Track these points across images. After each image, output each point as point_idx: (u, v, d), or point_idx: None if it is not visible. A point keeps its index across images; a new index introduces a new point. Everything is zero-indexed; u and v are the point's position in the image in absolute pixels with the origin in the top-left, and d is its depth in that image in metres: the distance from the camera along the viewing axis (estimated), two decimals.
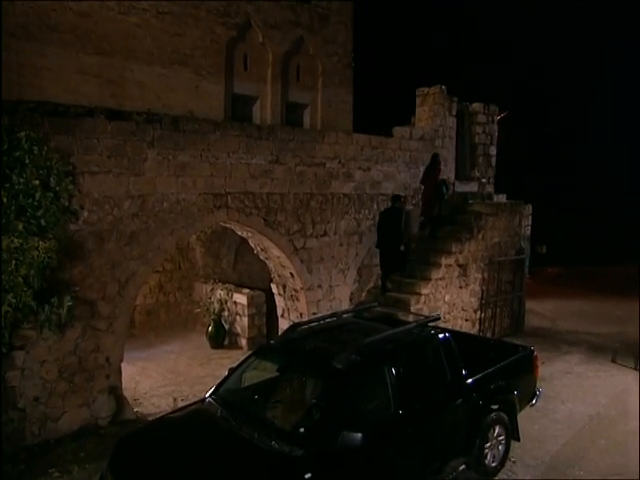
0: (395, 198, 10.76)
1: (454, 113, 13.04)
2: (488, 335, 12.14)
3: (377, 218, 10.94)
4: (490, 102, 14.47)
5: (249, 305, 11.54)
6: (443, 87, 12.71)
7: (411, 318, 8.26)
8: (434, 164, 11.74)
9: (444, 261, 11.18)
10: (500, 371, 6.77)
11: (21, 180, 6.60)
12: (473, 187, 14.07)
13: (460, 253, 11.49)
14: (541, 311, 15.70)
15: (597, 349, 11.84)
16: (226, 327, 11.81)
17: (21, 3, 10.58)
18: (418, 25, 25.77)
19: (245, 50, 14.00)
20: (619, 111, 28.28)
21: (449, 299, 11.33)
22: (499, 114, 15.25)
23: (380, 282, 11.19)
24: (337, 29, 15.81)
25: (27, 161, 6.68)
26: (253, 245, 10.43)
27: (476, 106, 14.04)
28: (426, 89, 12.84)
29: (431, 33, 26.07)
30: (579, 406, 8.64)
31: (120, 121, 7.81)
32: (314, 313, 10.09)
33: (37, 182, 6.71)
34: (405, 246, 10.64)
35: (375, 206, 11.23)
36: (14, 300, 6.49)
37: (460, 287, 11.57)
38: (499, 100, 15.34)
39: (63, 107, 7.48)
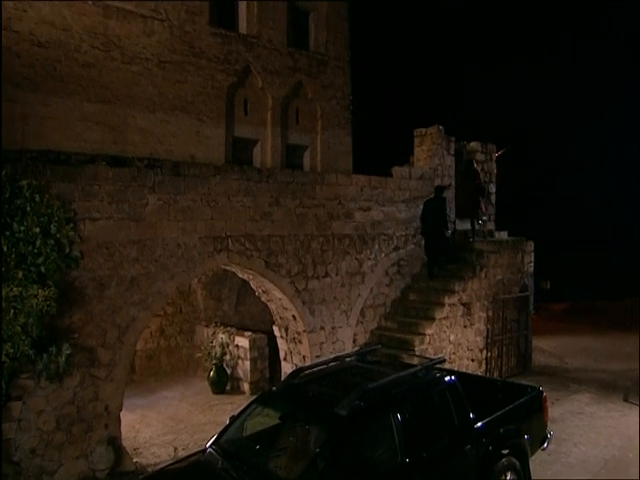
0: (439, 189, 11.90)
1: (452, 152, 13.18)
2: (495, 375, 11.91)
3: (421, 208, 11.94)
4: (487, 140, 14.65)
5: (251, 348, 11.37)
6: (441, 127, 12.89)
7: (416, 360, 8.11)
8: (471, 171, 12.99)
9: (447, 300, 11.08)
10: (509, 414, 6.58)
11: (22, 228, 6.62)
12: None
13: (463, 292, 11.40)
14: (548, 348, 15.46)
15: (608, 387, 11.56)
16: (228, 372, 11.61)
17: (28, 55, 10.89)
18: (414, 68, 26.41)
19: (245, 95, 14.32)
20: (619, 145, 28.57)
21: (454, 339, 11.17)
22: (497, 152, 15.42)
23: (427, 268, 12.07)
24: (335, 73, 16.21)
25: (28, 209, 6.72)
26: (255, 287, 10.36)
27: (474, 145, 14.20)
28: (424, 129, 13.02)
29: (427, 75, 26.69)
30: (593, 449, 8.36)
31: (121, 167, 7.89)
32: (317, 356, 9.93)
33: (38, 230, 6.73)
34: (451, 231, 12.19)
35: (376, 246, 11.22)
36: (12, 350, 6.40)
37: (465, 326, 11.42)
38: (497, 138, 15.56)
39: (65, 155, 7.57)
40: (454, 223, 13.02)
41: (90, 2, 11.60)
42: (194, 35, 13.19)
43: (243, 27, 14.41)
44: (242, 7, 14.46)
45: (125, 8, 12.12)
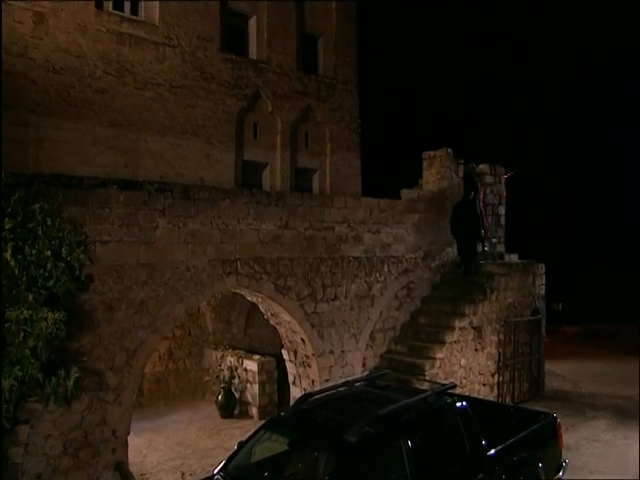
0: (469, 191, 12.57)
1: (461, 175, 13.18)
2: (507, 400, 11.69)
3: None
4: (496, 162, 14.64)
5: (260, 372, 11.28)
6: (449, 150, 12.92)
7: (426, 385, 7.99)
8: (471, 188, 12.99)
9: (458, 324, 10.97)
10: (523, 441, 6.45)
11: (33, 251, 6.67)
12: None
13: (474, 315, 11.28)
14: (561, 372, 15.18)
15: (624, 413, 11.30)
16: (236, 395, 11.51)
17: (43, 82, 11.14)
18: (422, 91, 26.65)
19: (255, 119, 14.51)
20: (632, 165, 28.34)
21: (465, 363, 11.02)
22: (506, 174, 15.40)
23: (462, 265, 12.46)
24: (343, 97, 16.40)
25: (40, 232, 6.79)
26: (263, 310, 10.32)
27: (483, 167, 14.19)
28: (432, 152, 13.05)
29: (435, 98, 26.90)
30: (610, 478, 8.13)
31: (132, 191, 7.96)
32: (326, 380, 9.82)
33: (49, 253, 6.78)
34: (485, 231, 12.84)
35: (386, 269, 11.17)
36: (20, 373, 6.39)
37: (476, 350, 11.28)
38: (505, 160, 15.56)
39: (77, 179, 7.66)
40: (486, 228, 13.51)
41: (104, 29, 11.89)
42: (205, 61, 13.44)
43: (253, 52, 14.67)
44: (252, 33, 14.75)
45: (138, 35, 12.41)
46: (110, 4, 12.16)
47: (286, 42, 15.05)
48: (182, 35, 13.08)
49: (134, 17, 12.54)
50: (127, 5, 12.51)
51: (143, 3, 12.75)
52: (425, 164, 13.10)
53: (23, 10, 10.87)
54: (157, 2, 12.76)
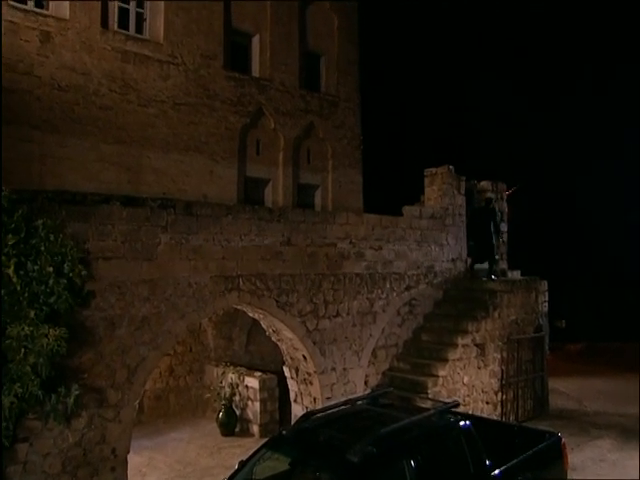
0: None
1: (463, 191, 13.21)
2: (511, 419, 11.57)
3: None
4: (497, 179, 14.68)
5: (261, 389, 11.21)
6: (451, 167, 12.97)
7: (429, 404, 7.92)
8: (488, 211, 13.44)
9: (460, 341, 10.90)
10: (527, 461, 6.36)
11: (35, 267, 6.67)
12: (486, 264, 13.95)
13: (477, 332, 11.21)
14: (565, 390, 15.05)
15: (630, 433, 11.15)
16: (237, 413, 11.41)
17: (48, 99, 11.25)
18: (424, 109, 26.82)
19: (257, 136, 14.60)
20: (635, 180, 28.27)
21: (468, 381, 10.93)
22: (507, 190, 15.43)
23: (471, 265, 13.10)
24: (346, 114, 16.52)
25: (42, 248, 6.79)
26: (265, 327, 10.28)
27: (484, 184, 14.23)
28: (434, 169, 13.10)
29: (437, 115, 27.09)
30: None
31: (135, 207, 7.99)
32: (328, 398, 9.74)
33: (51, 269, 6.77)
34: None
35: (388, 285, 11.14)
36: (21, 390, 6.35)
37: (479, 368, 11.19)
38: (507, 176, 15.60)
39: (80, 195, 7.69)
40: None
41: (109, 48, 12.04)
42: (208, 78, 13.58)
43: (256, 70, 14.83)
44: (255, 51, 14.92)
45: (143, 53, 12.56)
46: (115, 23, 12.33)
47: (289, 60, 15.22)
48: (186, 53, 13.24)
49: (139, 35, 12.71)
50: (132, 24, 12.69)
51: (148, 22, 12.93)
52: (427, 181, 13.13)
53: (30, 29, 11.03)
54: (162, 21, 12.94)
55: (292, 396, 10.61)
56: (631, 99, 26.55)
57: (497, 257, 13.78)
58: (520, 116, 28.71)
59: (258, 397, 11.21)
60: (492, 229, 13.14)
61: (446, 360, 10.62)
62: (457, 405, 6.71)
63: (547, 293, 13.49)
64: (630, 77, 26.92)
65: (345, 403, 6.70)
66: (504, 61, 28.13)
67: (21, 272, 6.58)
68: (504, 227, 14.56)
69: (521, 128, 28.71)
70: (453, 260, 12.70)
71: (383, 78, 25.37)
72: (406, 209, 11.92)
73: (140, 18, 12.88)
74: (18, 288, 6.51)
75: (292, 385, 10.56)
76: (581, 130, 29.09)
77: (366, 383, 10.68)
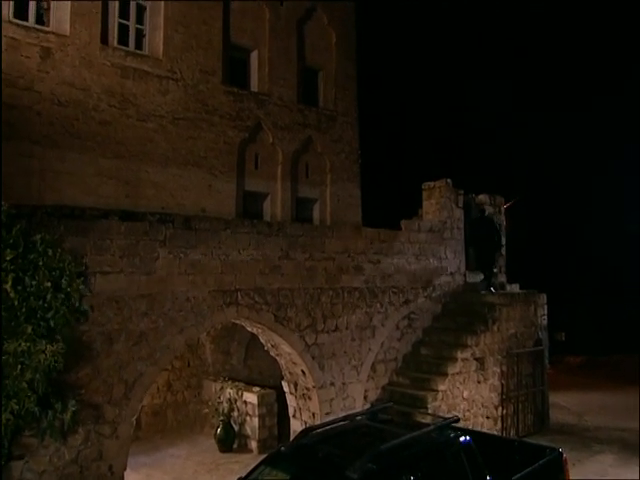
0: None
1: (461, 205, 13.25)
2: (512, 433, 11.49)
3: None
4: (496, 192, 14.73)
5: (259, 405, 11.12)
6: (448, 181, 13.01)
7: (429, 419, 7.86)
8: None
9: (460, 355, 10.86)
10: (528, 477, 6.29)
11: (33, 282, 6.65)
12: (481, 275, 13.94)
13: (476, 346, 11.17)
14: (566, 404, 14.96)
15: (632, 448, 11.05)
16: (235, 428, 11.31)
17: (48, 114, 11.30)
18: (422, 122, 27.01)
19: (256, 150, 14.66)
20: (634, 191, 28.30)
21: (468, 395, 10.86)
22: (505, 203, 15.47)
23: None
24: (344, 128, 16.61)
25: (41, 263, 6.78)
26: (264, 341, 10.24)
27: (482, 197, 14.27)
28: (432, 183, 13.14)
29: (435, 129, 27.25)
30: None
31: (133, 221, 7.99)
32: (327, 413, 9.67)
33: (49, 284, 6.76)
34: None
35: (387, 299, 11.11)
36: (17, 407, 6.29)
37: (478, 382, 11.13)
38: (505, 189, 15.67)
39: (79, 210, 7.71)
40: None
41: (109, 63, 12.13)
42: (207, 93, 13.66)
43: (255, 85, 14.92)
44: (254, 67, 15.03)
45: (142, 69, 12.64)
46: (115, 39, 12.44)
47: (287, 75, 15.33)
48: (185, 68, 13.34)
49: (138, 51, 12.80)
50: (132, 39, 12.80)
51: (147, 37, 13.04)
52: (425, 194, 13.17)
53: (31, 45, 11.11)
54: (161, 37, 13.06)
55: (291, 411, 10.53)
56: (631, 110, 26.67)
57: (495, 270, 13.80)
58: (518, 130, 28.89)
59: (256, 412, 11.12)
60: (492, 239, 13.26)
61: (445, 374, 10.57)
62: (457, 421, 6.66)
63: (546, 306, 13.47)
64: (629, 86, 27.07)
65: (344, 419, 6.65)
66: (503, 72, 28.35)
67: (19, 287, 6.56)
68: (502, 240, 14.56)
69: (518, 141, 28.88)
70: (452, 273, 12.69)
71: (381, 91, 25.56)
72: (404, 223, 11.94)
73: (140, 34, 12.99)
74: (15, 303, 6.49)
75: (291, 400, 10.49)
76: (578, 142, 29.25)
77: (365, 398, 10.61)
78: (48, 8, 11.64)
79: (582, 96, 28.92)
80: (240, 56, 14.83)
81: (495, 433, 10.88)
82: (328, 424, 6.47)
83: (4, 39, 10.73)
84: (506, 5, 27.44)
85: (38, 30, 11.30)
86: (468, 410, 10.81)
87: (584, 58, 29.02)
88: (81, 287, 7.18)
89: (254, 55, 15.02)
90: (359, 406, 10.16)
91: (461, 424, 7.60)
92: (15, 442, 6.57)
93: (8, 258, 6.50)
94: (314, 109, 15.98)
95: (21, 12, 11.27)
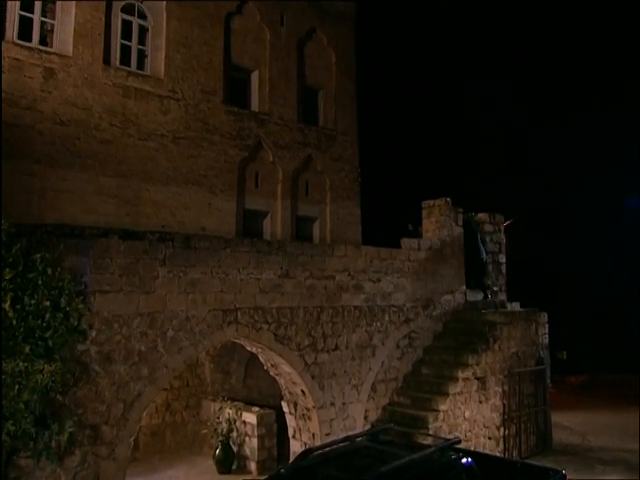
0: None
1: (460, 223, 13.26)
2: (514, 454, 11.34)
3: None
4: (495, 211, 14.76)
5: (259, 425, 10.98)
6: (448, 199, 13.05)
7: (430, 440, 7.76)
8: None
9: (461, 374, 10.76)
10: None
11: (32, 302, 6.63)
12: (481, 294, 13.91)
13: (477, 365, 11.09)
14: (569, 424, 14.78)
15: (636, 469, 10.89)
16: (235, 449, 11.16)
17: (50, 133, 11.39)
18: (422, 141, 27.20)
19: (256, 168, 14.74)
20: (636, 209, 28.29)
21: (469, 415, 10.74)
22: (505, 222, 15.50)
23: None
24: (343, 147, 16.72)
25: (40, 282, 6.76)
26: (263, 361, 10.16)
27: (482, 216, 14.30)
28: (432, 201, 13.18)
29: (434, 147, 27.42)
30: None
31: (133, 240, 8.00)
32: (327, 434, 9.56)
33: (48, 303, 6.74)
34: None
35: (387, 318, 11.06)
36: (13, 428, 6.22)
37: (480, 402, 11.02)
38: (505, 208, 15.70)
39: (79, 229, 7.71)
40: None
41: (111, 83, 12.25)
42: (208, 113, 13.79)
43: (255, 105, 15.06)
44: (254, 86, 15.19)
45: (143, 88, 12.78)
46: (117, 59, 12.59)
47: (287, 95, 15.48)
48: (186, 88, 13.47)
49: (140, 71, 12.95)
50: (134, 60, 12.95)
51: (149, 58, 13.20)
52: (424, 213, 13.20)
53: (34, 66, 11.25)
54: (163, 57, 13.22)
55: (290, 432, 10.41)
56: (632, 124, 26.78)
57: (489, 281, 13.82)
58: (518, 148, 29.07)
59: (256, 433, 10.98)
60: (476, 252, 13.32)
61: (447, 394, 10.47)
62: (459, 442, 6.58)
63: (547, 325, 13.40)
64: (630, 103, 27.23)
65: (344, 440, 6.56)
66: (505, 90, 28.55)
67: (17, 306, 6.54)
68: (502, 258, 14.57)
69: (519, 159, 29.03)
70: (452, 292, 12.65)
71: (381, 109, 25.78)
72: (404, 241, 11.94)
73: (142, 54, 13.16)
74: (14, 323, 6.46)
75: (290, 420, 10.38)
76: (579, 161, 29.38)
77: (366, 418, 10.50)
78: (52, 30, 11.81)
79: (582, 113, 29.13)
80: (241, 76, 14.99)
81: (497, 454, 10.74)
82: (328, 445, 6.39)
83: (8, 60, 10.87)
84: (504, 26, 27.83)
85: (42, 51, 11.45)
86: (470, 430, 10.68)
87: (582, 75, 29.29)
88: (80, 306, 7.16)
89: (255, 75, 15.19)
90: (359, 427, 10.05)
91: (463, 445, 7.50)
92: (10, 464, 6.49)
93: (7, 277, 6.49)
94: (314, 128, 16.10)
95: (25, 33, 11.43)
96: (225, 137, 14.00)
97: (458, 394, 10.60)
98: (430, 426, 9.85)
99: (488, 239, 14.01)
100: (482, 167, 27.83)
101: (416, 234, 12.99)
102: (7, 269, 6.52)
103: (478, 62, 28.95)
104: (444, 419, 10.20)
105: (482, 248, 13.61)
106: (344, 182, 16.55)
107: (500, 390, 11.50)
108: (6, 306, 6.41)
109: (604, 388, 20.76)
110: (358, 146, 17.15)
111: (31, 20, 11.57)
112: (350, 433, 7.78)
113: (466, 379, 10.81)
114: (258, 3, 15.04)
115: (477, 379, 11.03)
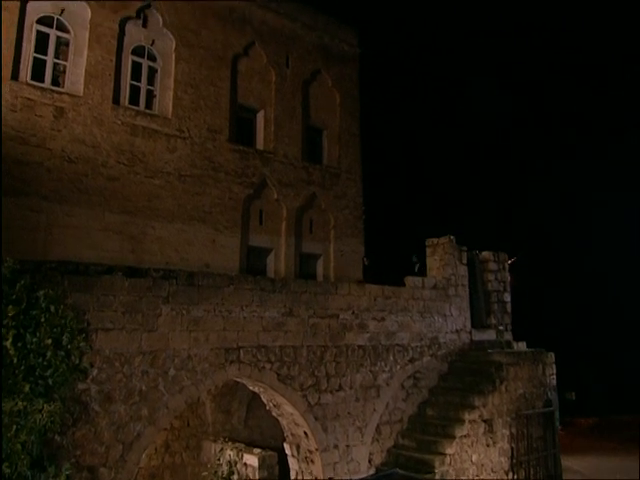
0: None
1: (464, 262, 13.21)
2: None
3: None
4: (499, 249, 14.72)
5: (260, 467, 10.72)
6: (452, 237, 13.04)
7: None
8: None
9: (467, 416, 10.51)
10: None
11: (34, 340, 6.58)
12: (491, 335, 13.73)
13: (484, 407, 10.84)
14: (579, 469, 14.40)
15: None
16: None
17: (58, 170, 11.54)
18: (425, 180, 27.46)
19: (261, 206, 14.84)
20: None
21: (477, 459, 10.44)
22: (510, 260, 15.43)
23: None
24: (347, 185, 16.86)
25: (42, 320, 6.73)
26: (265, 401, 9.97)
27: (486, 254, 14.26)
28: (436, 239, 13.16)
29: (438, 186, 27.67)
30: None
31: (137, 278, 7.98)
32: (330, 478, 9.28)
33: (50, 341, 6.68)
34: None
35: (391, 357, 10.90)
36: (8, 470, 6.07)
37: (487, 445, 10.72)
38: (508, 246, 15.66)
39: (84, 265, 7.72)
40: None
41: (119, 122, 12.49)
42: (214, 151, 13.99)
43: (260, 143, 15.29)
44: (260, 125, 15.45)
45: (151, 127, 13.01)
46: (127, 99, 12.87)
47: (292, 134, 15.73)
48: (193, 127, 13.71)
49: (148, 111, 13.22)
50: (142, 100, 13.24)
51: (158, 98, 13.48)
52: (428, 251, 13.17)
53: (45, 105, 11.50)
54: (171, 97, 13.51)
55: (293, 475, 10.12)
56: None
57: (494, 321, 13.69)
58: (521, 186, 29.27)
59: (257, 476, 10.71)
60: (477, 286, 13.33)
61: (453, 437, 10.20)
62: None
63: (554, 365, 13.15)
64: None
65: None
66: (506, 121, 28.95)
67: (19, 344, 6.48)
68: (507, 297, 14.42)
69: (521, 198, 29.20)
70: (457, 331, 12.50)
71: (385, 148, 26.15)
72: (408, 279, 11.87)
73: (150, 94, 13.45)
74: (15, 361, 6.39)
75: (293, 463, 10.10)
76: (582, 196, 29.51)
77: (370, 461, 10.21)
78: (64, 70, 12.12)
79: (586, 145, 29.41)
80: (247, 115, 15.27)
81: None
82: None
83: (20, 99, 11.13)
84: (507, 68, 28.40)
85: (53, 91, 11.73)
86: (477, 475, 10.36)
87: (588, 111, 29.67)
88: (82, 344, 7.11)
89: (260, 115, 15.47)
90: (364, 470, 9.77)
91: None
92: None
93: (10, 314, 6.46)
94: (318, 166, 16.28)
95: (38, 74, 11.73)
96: (230, 175, 14.16)
97: (465, 437, 10.33)
98: (436, 470, 9.58)
99: (492, 278, 13.92)
100: (485, 205, 27.98)
101: (419, 265, 12.97)
102: (10, 306, 6.49)
103: (478, 102, 29.47)
104: (451, 463, 9.91)
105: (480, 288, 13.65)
106: (348, 219, 16.62)
107: (508, 433, 11.20)
108: (7, 344, 6.36)
109: (615, 430, 20.29)
110: (362, 184, 17.30)
111: (44, 62, 11.90)
112: (354, 478, 7.56)
113: (473, 421, 10.56)
114: (264, 45, 15.46)
115: (484, 421, 10.77)
